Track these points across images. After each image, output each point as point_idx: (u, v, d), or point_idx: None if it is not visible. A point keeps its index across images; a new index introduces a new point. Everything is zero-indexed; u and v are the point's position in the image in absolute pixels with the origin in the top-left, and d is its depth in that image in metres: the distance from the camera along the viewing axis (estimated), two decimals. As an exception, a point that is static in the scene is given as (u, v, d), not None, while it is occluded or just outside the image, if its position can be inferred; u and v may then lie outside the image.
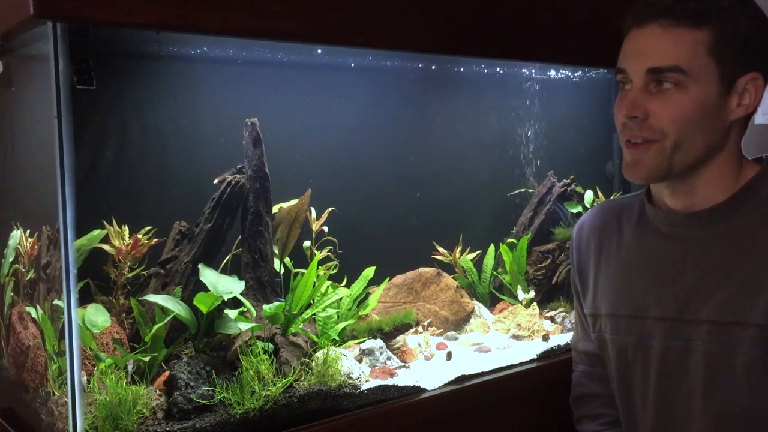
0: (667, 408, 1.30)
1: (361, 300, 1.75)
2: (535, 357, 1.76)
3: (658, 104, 1.18)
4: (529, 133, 2.33)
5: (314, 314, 1.63)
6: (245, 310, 1.52)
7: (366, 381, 1.52)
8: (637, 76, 1.20)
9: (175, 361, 1.45)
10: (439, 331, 1.93)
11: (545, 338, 1.87)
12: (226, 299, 1.50)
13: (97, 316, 1.42)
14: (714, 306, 1.21)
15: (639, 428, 1.36)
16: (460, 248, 2.13)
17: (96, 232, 1.54)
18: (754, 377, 1.18)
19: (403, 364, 1.66)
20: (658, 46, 1.17)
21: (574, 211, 2.23)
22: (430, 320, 1.93)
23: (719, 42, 1.16)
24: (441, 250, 2.12)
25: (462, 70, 2.18)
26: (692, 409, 1.26)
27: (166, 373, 1.41)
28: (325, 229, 1.82)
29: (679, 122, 1.17)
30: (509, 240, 2.19)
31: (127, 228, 1.58)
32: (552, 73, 2.31)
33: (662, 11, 1.17)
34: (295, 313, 1.58)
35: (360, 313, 1.74)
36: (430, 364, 1.70)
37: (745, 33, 1.17)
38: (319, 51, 1.80)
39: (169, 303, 1.48)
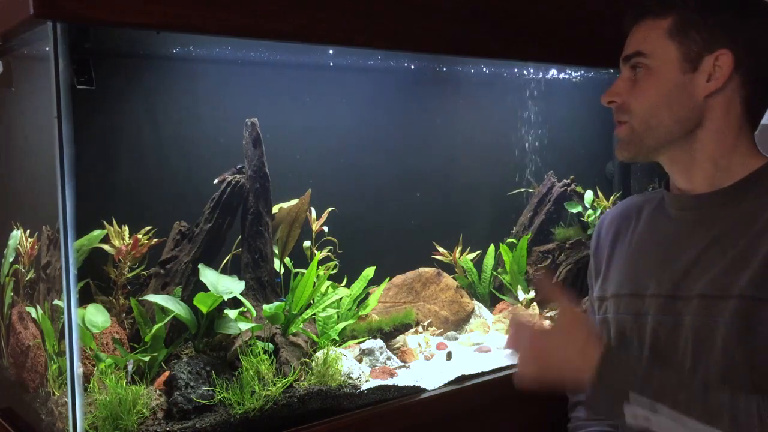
0: None
1: (361, 300, 1.76)
2: (535, 357, 1.76)
3: (631, 88, 1.33)
4: (529, 133, 2.33)
5: (314, 314, 1.63)
6: (245, 310, 1.52)
7: (366, 381, 1.52)
8: (621, 69, 1.37)
9: (175, 361, 1.45)
10: (439, 331, 1.93)
11: (545, 338, 1.87)
12: (226, 299, 1.50)
13: (97, 316, 1.42)
14: (705, 282, 1.25)
15: None
16: (460, 248, 2.13)
17: (96, 232, 1.54)
18: (729, 350, 1.20)
19: (403, 364, 1.66)
20: (631, 40, 1.35)
21: (574, 211, 2.23)
22: (430, 320, 1.93)
23: (679, 26, 1.28)
24: (441, 250, 2.12)
25: (462, 70, 2.18)
26: None
27: (166, 373, 1.41)
28: (325, 229, 1.82)
29: (642, 101, 1.31)
30: (509, 240, 2.19)
31: (127, 228, 1.58)
32: (552, 73, 2.31)
33: (638, 12, 1.35)
34: (295, 313, 1.59)
35: (360, 313, 1.74)
36: (430, 364, 1.70)
37: (711, 14, 1.28)
38: (331, 52, 1.80)
39: (169, 303, 1.48)
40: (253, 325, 1.48)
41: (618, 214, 1.52)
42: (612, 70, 2.26)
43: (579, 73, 2.34)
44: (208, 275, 1.54)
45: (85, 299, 1.47)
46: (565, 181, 2.27)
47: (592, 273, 1.55)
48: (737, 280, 1.21)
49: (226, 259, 1.70)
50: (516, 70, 2.24)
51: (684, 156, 1.32)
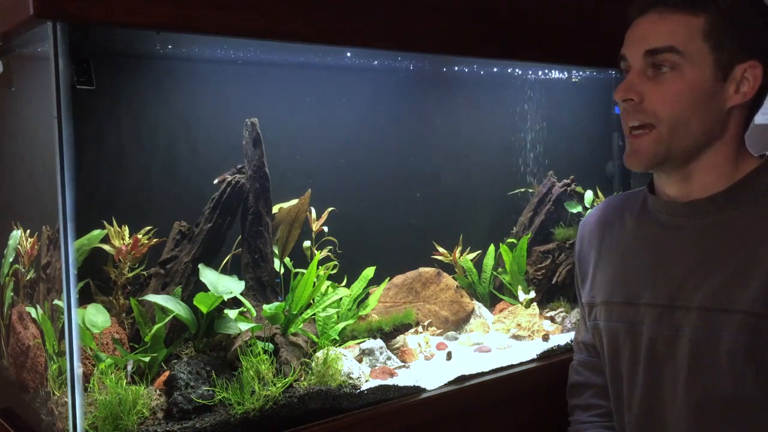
0: (654, 394, 1.31)
1: (361, 300, 1.76)
2: (535, 357, 1.76)
3: (654, 87, 1.22)
4: (530, 133, 2.33)
5: (314, 314, 1.63)
6: (245, 310, 1.52)
7: (366, 381, 1.52)
8: (635, 60, 1.24)
9: (175, 361, 1.45)
10: (439, 331, 1.93)
11: (545, 338, 1.87)
12: (226, 299, 1.50)
13: (97, 316, 1.42)
14: (704, 293, 1.23)
15: (627, 415, 1.37)
16: (460, 248, 2.13)
17: (96, 232, 1.54)
18: (737, 364, 1.19)
19: (403, 364, 1.66)
20: (655, 30, 1.22)
21: (574, 211, 2.23)
22: (430, 320, 1.93)
23: (715, 28, 1.20)
24: (441, 250, 2.12)
25: (462, 70, 2.18)
26: (676, 395, 1.27)
27: (166, 373, 1.41)
28: (325, 229, 1.82)
29: (672, 105, 1.21)
30: (509, 240, 2.19)
31: (127, 228, 1.58)
32: (552, 73, 2.31)
33: (662, 2, 1.23)
34: (295, 313, 1.59)
35: (360, 313, 1.74)
36: (430, 364, 1.70)
37: (743, 22, 1.21)
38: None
39: (169, 303, 1.48)
40: (253, 325, 1.48)
41: (600, 218, 1.47)
42: (614, 72, 2.27)
43: (578, 73, 2.34)
44: (208, 275, 1.54)
45: (85, 299, 1.47)
46: (565, 181, 2.27)
47: (578, 279, 1.52)
48: (740, 294, 1.18)
49: (226, 259, 1.70)
50: (516, 70, 2.24)
51: (689, 165, 1.26)
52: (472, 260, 2.14)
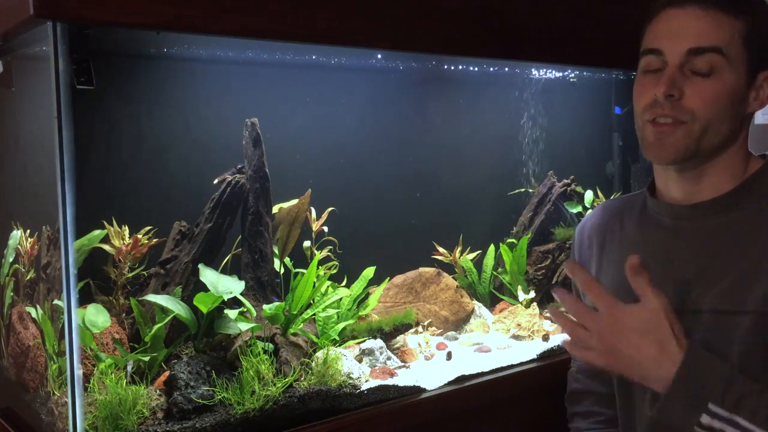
0: None
1: (361, 300, 1.76)
2: (535, 357, 1.76)
3: (693, 86, 1.20)
4: (529, 133, 2.33)
5: (314, 314, 1.63)
6: (245, 310, 1.52)
7: (366, 381, 1.52)
8: (675, 56, 1.21)
9: (175, 361, 1.45)
10: (439, 331, 1.93)
11: (545, 338, 1.87)
12: (226, 299, 1.50)
13: (97, 316, 1.42)
14: (714, 296, 1.22)
15: (638, 420, 1.36)
16: (460, 248, 2.13)
17: (96, 232, 1.54)
18: (749, 366, 1.18)
19: (403, 364, 1.66)
20: (700, 27, 1.19)
21: (574, 211, 2.23)
22: (430, 320, 1.93)
23: (751, 33, 1.20)
24: (441, 250, 2.12)
25: (462, 69, 2.18)
26: None
27: (166, 373, 1.41)
28: (325, 229, 1.82)
29: (711, 106, 1.19)
30: (509, 240, 2.19)
31: (127, 228, 1.58)
32: (552, 73, 2.31)
33: None
34: (295, 313, 1.59)
35: (360, 313, 1.74)
36: (430, 364, 1.70)
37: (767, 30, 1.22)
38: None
39: (169, 303, 1.48)
40: (253, 325, 1.48)
41: (598, 222, 1.46)
42: (621, 72, 2.27)
43: (578, 73, 2.34)
44: (208, 275, 1.54)
45: (85, 299, 1.47)
46: (565, 181, 2.27)
47: (578, 286, 1.50)
48: (750, 294, 1.18)
49: (226, 259, 1.70)
50: (516, 69, 2.24)
51: (707, 165, 1.25)
52: (472, 260, 2.14)
